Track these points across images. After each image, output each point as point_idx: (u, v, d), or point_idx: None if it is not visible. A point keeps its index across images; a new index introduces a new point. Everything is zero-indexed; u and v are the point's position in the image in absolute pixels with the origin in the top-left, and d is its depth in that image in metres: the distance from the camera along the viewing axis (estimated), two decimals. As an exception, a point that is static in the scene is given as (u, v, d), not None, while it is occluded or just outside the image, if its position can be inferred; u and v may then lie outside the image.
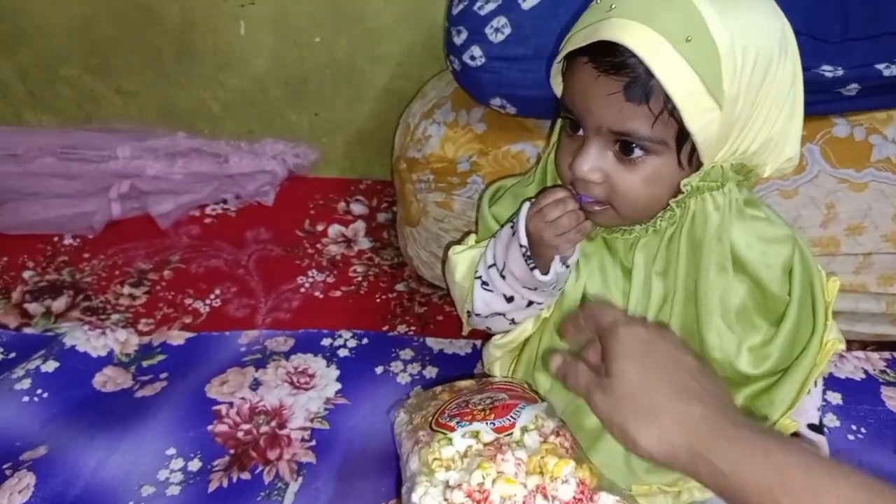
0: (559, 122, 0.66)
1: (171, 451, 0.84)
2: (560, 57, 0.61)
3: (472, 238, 0.77)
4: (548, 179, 0.72)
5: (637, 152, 0.58)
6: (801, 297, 0.67)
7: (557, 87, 0.64)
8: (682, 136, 0.57)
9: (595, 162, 0.59)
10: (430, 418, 0.63)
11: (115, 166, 1.21)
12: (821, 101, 0.84)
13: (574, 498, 0.55)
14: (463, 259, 0.74)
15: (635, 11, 0.54)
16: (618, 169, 0.59)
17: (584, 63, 0.57)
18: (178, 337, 1.01)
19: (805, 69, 0.60)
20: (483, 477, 0.54)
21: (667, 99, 0.54)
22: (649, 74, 0.53)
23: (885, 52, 0.81)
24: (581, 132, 0.60)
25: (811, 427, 0.71)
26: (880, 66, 0.81)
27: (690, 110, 0.54)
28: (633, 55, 0.53)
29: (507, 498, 0.54)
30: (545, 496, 0.55)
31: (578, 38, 0.57)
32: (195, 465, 0.83)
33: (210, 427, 0.87)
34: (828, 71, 0.81)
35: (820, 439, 0.71)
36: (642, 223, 0.64)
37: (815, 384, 0.71)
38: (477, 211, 0.82)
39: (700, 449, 0.43)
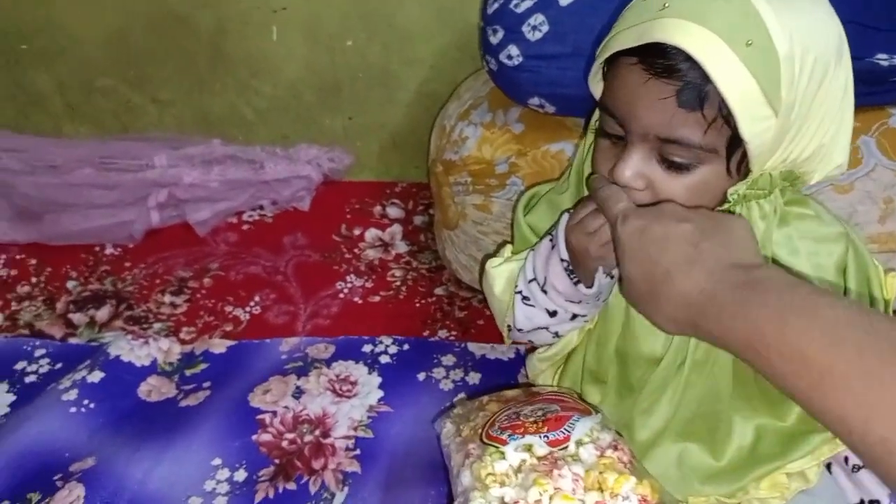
0: (593, 123, 0.63)
1: (217, 461, 0.84)
2: (604, 57, 0.58)
3: (508, 249, 0.75)
4: (583, 184, 0.69)
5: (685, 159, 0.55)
6: (858, 297, 0.64)
7: (596, 88, 0.62)
8: (734, 143, 0.54)
9: (638, 168, 0.56)
10: (480, 430, 0.62)
11: (153, 175, 1.22)
12: (876, 92, 0.81)
13: (635, 515, 0.53)
14: (501, 273, 0.72)
15: (691, 11, 0.51)
16: (662, 176, 0.56)
17: (632, 65, 0.54)
18: (219, 345, 1.01)
19: (859, 58, 0.57)
20: (540, 494, 0.52)
21: (722, 105, 0.52)
22: (704, 79, 0.51)
23: (944, 38, 0.78)
24: (621, 135, 0.57)
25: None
26: (938, 52, 0.78)
27: (747, 117, 0.51)
28: (688, 58, 0.51)
29: (565, 514, 0.53)
30: (605, 513, 0.53)
31: (626, 38, 0.54)
32: (241, 475, 0.83)
33: (255, 437, 0.87)
34: (883, 59, 0.78)
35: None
36: None
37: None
38: (512, 219, 0.80)
39: (697, 321, 0.46)
